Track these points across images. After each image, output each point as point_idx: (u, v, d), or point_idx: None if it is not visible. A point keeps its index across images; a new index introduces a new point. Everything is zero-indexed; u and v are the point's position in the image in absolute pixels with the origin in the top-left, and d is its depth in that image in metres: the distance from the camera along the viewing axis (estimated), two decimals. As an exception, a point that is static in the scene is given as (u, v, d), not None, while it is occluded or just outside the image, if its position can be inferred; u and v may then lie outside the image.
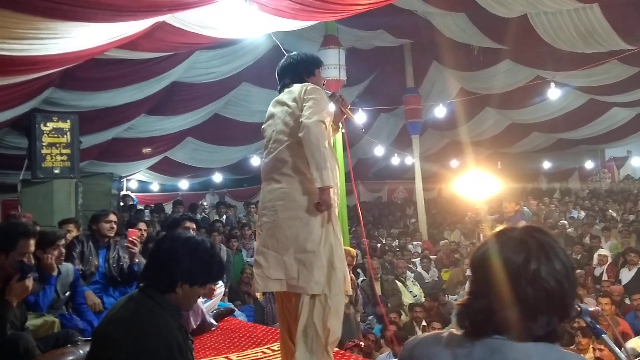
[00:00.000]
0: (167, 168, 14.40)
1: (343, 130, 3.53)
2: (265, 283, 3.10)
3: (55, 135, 7.16)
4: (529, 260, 1.32)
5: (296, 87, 3.20)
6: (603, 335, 1.57)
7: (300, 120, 3.02)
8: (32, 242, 3.31)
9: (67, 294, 4.27)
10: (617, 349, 1.54)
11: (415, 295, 8.91)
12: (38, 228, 4.27)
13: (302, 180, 3.06)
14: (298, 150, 3.05)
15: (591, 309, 1.58)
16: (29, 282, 3.25)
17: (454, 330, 1.43)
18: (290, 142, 3.10)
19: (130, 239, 4.75)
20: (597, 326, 1.60)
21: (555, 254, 1.34)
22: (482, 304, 1.36)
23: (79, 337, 3.64)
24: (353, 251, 6.65)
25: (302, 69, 3.34)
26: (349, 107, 3.47)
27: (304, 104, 3.07)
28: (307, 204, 3.01)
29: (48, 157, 7.08)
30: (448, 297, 8.94)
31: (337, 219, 3.14)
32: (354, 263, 6.61)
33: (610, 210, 14.11)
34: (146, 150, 12.26)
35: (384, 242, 12.88)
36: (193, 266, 2.30)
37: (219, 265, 2.45)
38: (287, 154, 3.10)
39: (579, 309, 1.57)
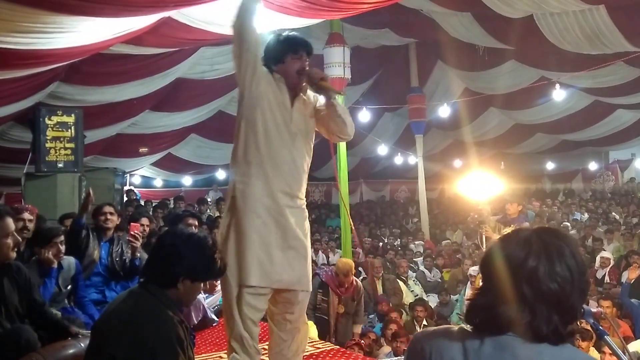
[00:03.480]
0: (171, 164, 14.43)
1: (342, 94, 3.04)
2: None
3: (60, 129, 7.18)
4: (528, 258, 1.34)
5: None
6: (605, 336, 1.57)
7: None
8: (9, 221, 3.22)
9: (69, 287, 4.28)
10: (619, 351, 1.54)
11: (417, 295, 8.91)
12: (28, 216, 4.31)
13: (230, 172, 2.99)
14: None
15: (594, 310, 1.59)
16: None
17: (464, 326, 1.44)
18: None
19: (132, 232, 4.76)
20: (600, 327, 1.61)
21: (559, 256, 1.34)
22: (485, 300, 1.38)
23: (81, 330, 3.65)
24: (344, 262, 6.64)
25: (270, 55, 2.92)
26: (320, 77, 2.91)
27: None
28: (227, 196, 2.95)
29: (52, 151, 7.10)
30: (450, 296, 8.95)
31: (250, 208, 2.79)
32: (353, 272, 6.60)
33: (613, 213, 14.10)
34: (142, 149, 12.28)
35: (385, 241, 12.89)
36: (195, 262, 2.30)
37: (220, 261, 2.45)
38: None
39: (582, 310, 1.57)
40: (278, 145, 2.84)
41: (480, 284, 1.45)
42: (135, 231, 4.80)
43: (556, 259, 1.34)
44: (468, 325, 1.42)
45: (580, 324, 5.11)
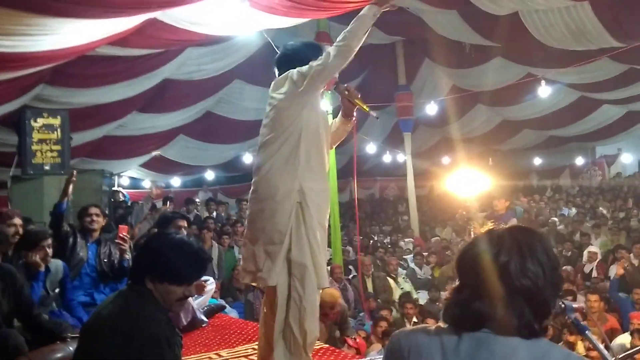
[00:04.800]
0: (159, 165, 14.35)
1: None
2: (243, 275, 3.12)
3: (46, 132, 7.12)
4: (499, 255, 1.37)
5: (280, 77, 3.08)
6: (586, 332, 1.59)
7: (317, 63, 2.93)
8: None
9: (57, 290, 4.27)
10: (600, 346, 1.56)
11: (407, 292, 8.94)
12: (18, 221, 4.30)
13: (267, 173, 2.99)
14: (271, 144, 3.00)
15: (575, 305, 1.61)
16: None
17: (441, 324, 1.46)
18: (266, 136, 3.04)
19: (120, 235, 4.75)
20: (581, 323, 1.63)
21: (531, 252, 1.38)
22: (460, 297, 1.42)
23: (69, 334, 3.64)
24: (329, 294, 6.42)
25: (297, 58, 3.10)
26: (359, 96, 3.20)
27: (298, 80, 2.95)
28: (273, 196, 2.95)
29: (38, 154, 7.05)
30: (440, 293, 8.99)
31: (315, 221, 3.00)
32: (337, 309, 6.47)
33: (600, 208, 14.22)
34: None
35: (375, 239, 12.92)
36: (163, 263, 2.28)
37: (190, 264, 2.34)
38: (262, 147, 3.06)
39: (563, 306, 1.60)
40: (325, 153, 3.11)
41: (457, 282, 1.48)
42: (124, 233, 4.79)
43: (527, 255, 1.37)
44: (445, 323, 1.44)
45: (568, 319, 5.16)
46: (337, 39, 2.96)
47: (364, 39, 3.00)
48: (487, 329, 1.36)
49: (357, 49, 2.95)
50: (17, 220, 4.35)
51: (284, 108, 2.99)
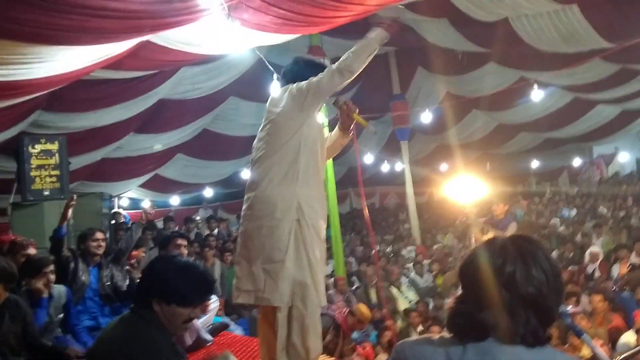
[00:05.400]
0: (158, 185, 14.37)
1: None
2: (237, 294, 3.02)
3: (44, 157, 7.16)
4: (505, 264, 1.38)
5: (280, 91, 3.08)
6: (583, 335, 1.61)
7: (317, 78, 2.96)
8: None
9: (61, 316, 4.27)
10: (598, 349, 1.58)
11: (411, 300, 8.93)
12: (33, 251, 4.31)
13: (267, 189, 2.96)
14: (267, 159, 2.98)
15: (571, 310, 1.63)
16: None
17: (445, 334, 1.47)
18: (263, 151, 3.01)
19: (130, 262, 4.80)
20: (577, 327, 1.65)
21: (534, 260, 1.39)
22: (465, 307, 1.42)
23: (78, 352, 3.66)
24: (366, 311, 6.74)
25: (300, 74, 3.12)
26: (357, 111, 3.21)
27: (297, 96, 2.97)
28: (272, 213, 2.91)
29: (37, 179, 7.08)
30: (444, 300, 8.97)
31: (314, 235, 2.99)
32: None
33: (600, 208, 14.22)
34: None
35: (378, 249, 12.91)
36: (171, 285, 2.29)
37: (197, 287, 2.35)
38: (259, 162, 3.02)
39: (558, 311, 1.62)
40: (321, 167, 3.09)
41: (460, 291, 1.49)
42: (134, 260, 4.84)
43: (532, 263, 1.38)
44: (449, 333, 1.45)
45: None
46: (342, 58, 2.97)
47: (368, 61, 3.01)
48: (491, 339, 1.37)
49: (360, 70, 2.99)
50: (32, 251, 4.37)
51: (283, 122, 2.98)
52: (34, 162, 7.08)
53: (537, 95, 10.82)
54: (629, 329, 6.17)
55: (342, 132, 3.29)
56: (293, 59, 3.29)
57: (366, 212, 4.43)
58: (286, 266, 2.89)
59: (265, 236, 2.93)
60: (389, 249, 13.03)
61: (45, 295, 4.03)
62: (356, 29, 10.18)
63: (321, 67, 3.20)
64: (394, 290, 8.97)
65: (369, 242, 13.79)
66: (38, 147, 7.13)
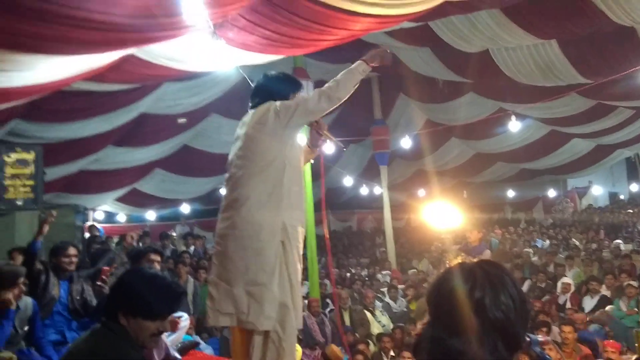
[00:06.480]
0: (135, 199, 14.24)
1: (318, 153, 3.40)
2: (215, 317, 2.91)
3: (19, 167, 7.06)
4: (474, 289, 1.37)
5: (261, 108, 3.00)
6: (550, 363, 1.63)
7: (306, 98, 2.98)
8: None
9: (26, 328, 4.17)
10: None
11: (384, 325, 8.89)
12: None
13: (251, 209, 2.89)
14: (250, 178, 2.92)
15: (540, 339, 1.65)
16: None
17: None
18: (245, 169, 2.95)
19: (102, 277, 4.71)
20: (547, 356, 1.66)
21: (502, 286, 1.39)
22: (434, 332, 1.40)
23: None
24: (338, 352, 6.75)
25: (275, 90, 3.09)
26: (326, 128, 3.20)
27: (282, 114, 2.93)
28: (257, 235, 2.85)
29: (11, 189, 6.97)
30: (417, 326, 8.96)
31: (296, 259, 2.96)
32: None
33: (573, 239, 14.42)
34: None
35: (353, 272, 12.89)
36: (137, 298, 2.25)
37: (163, 297, 2.30)
38: (241, 181, 2.94)
39: (528, 339, 1.63)
40: (303, 187, 3.10)
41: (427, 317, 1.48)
42: (105, 275, 4.75)
43: (500, 289, 1.38)
44: (415, 358, 1.45)
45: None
46: (327, 84, 3.00)
47: (352, 90, 3.06)
48: None
49: (345, 98, 3.03)
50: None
51: (263, 140, 2.93)
52: (9, 171, 6.97)
53: (514, 126, 11.01)
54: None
55: (310, 148, 3.32)
56: (262, 75, 3.24)
57: (327, 233, 4.36)
58: (271, 289, 2.83)
59: (250, 257, 2.86)
60: (364, 272, 13.00)
61: (13, 307, 3.93)
62: (340, 54, 10.35)
63: (295, 81, 3.24)
64: (368, 314, 8.93)
65: (345, 264, 13.80)
66: (13, 156, 7.04)
